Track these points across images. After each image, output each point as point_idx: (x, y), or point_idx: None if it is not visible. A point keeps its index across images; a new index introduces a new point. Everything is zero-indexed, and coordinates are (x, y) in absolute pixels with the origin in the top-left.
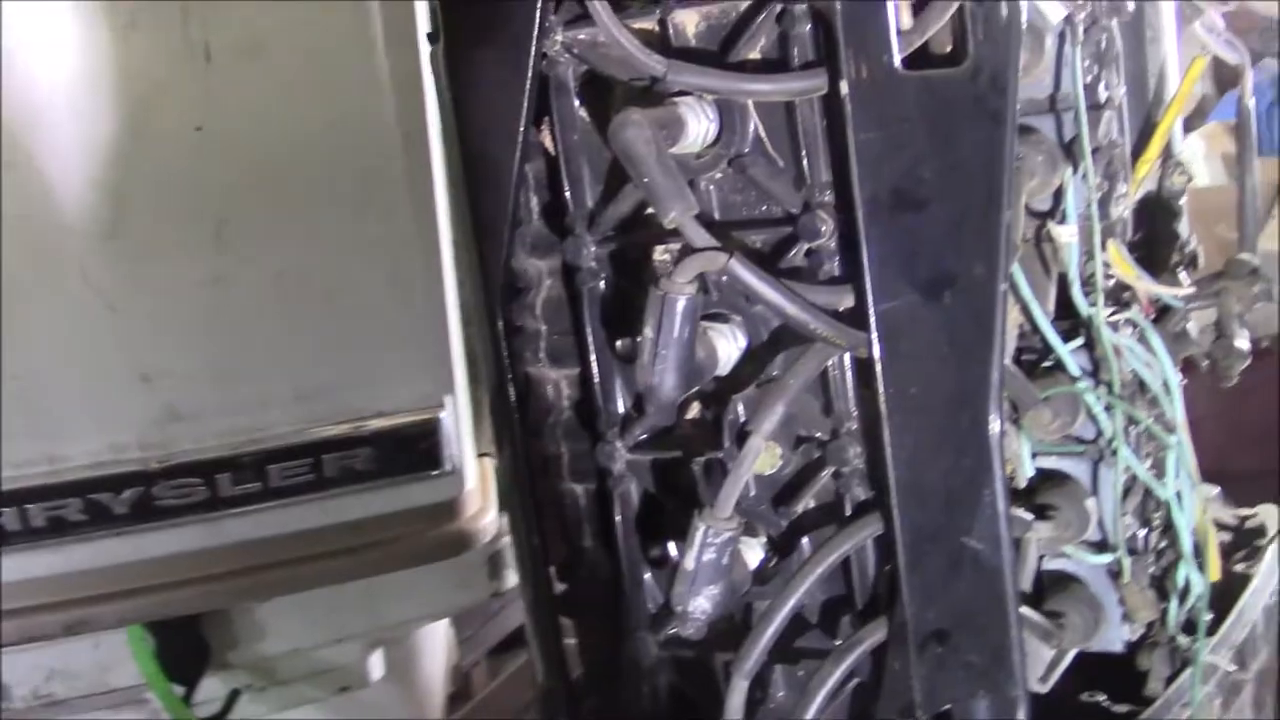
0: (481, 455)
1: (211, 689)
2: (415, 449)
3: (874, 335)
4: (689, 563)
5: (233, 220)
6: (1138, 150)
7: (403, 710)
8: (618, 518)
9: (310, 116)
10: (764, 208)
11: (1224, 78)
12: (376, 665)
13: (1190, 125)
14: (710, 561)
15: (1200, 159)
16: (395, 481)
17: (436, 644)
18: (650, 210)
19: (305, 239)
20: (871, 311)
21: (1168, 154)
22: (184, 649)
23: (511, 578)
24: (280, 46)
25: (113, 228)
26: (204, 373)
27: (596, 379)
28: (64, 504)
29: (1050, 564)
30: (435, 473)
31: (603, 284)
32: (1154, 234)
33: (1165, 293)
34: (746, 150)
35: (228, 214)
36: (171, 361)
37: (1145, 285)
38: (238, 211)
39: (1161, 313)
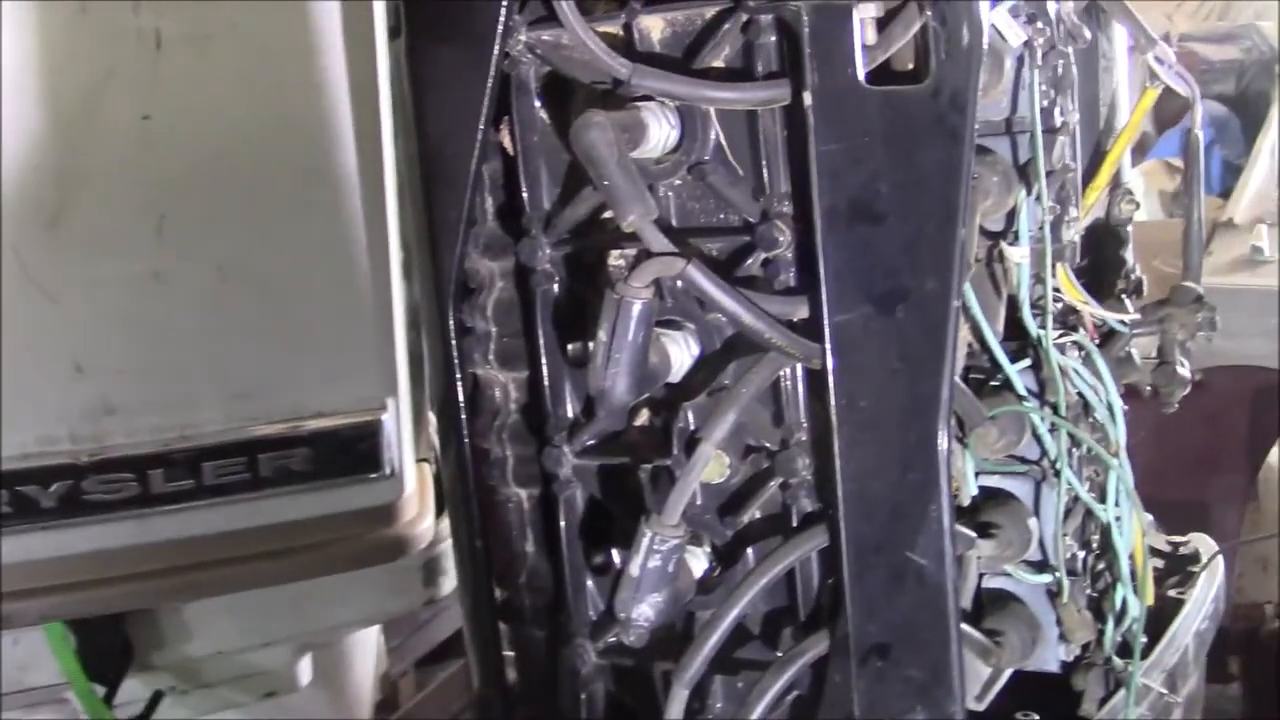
0: (420, 460)
1: (133, 690)
2: (354, 451)
3: (827, 347)
4: (634, 569)
5: (176, 213)
6: (1088, 177)
7: (330, 716)
8: (562, 523)
9: (260, 110)
10: (722, 216)
11: (1162, 117)
12: (305, 670)
13: (1132, 162)
14: (655, 569)
15: (1139, 195)
16: (332, 483)
17: (366, 650)
18: (607, 214)
19: (249, 235)
20: (826, 323)
21: (1116, 182)
22: (106, 648)
23: (446, 585)
24: (232, 38)
25: (54, 215)
26: (140, 366)
27: (546, 382)
28: None
29: (990, 582)
30: (374, 475)
31: (556, 287)
32: (1101, 260)
33: (1111, 317)
34: (707, 158)
35: (171, 207)
36: (106, 354)
37: (1092, 309)
38: (181, 204)
39: (1106, 337)
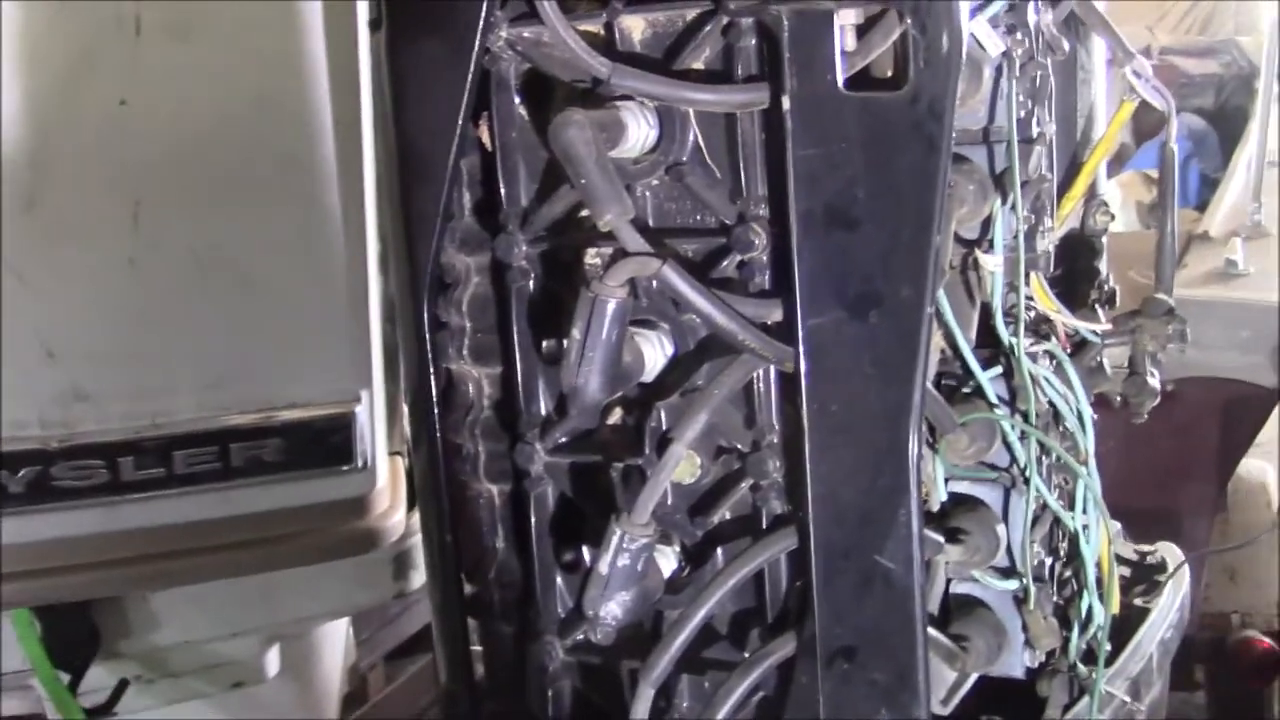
0: (393, 454)
1: (99, 678)
2: (327, 443)
3: (800, 350)
4: (603, 567)
5: (152, 200)
6: (1063, 187)
7: (297, 709)
8: (532, 520)
9: (239, 99)
10: (698, 217)
11: (1142, 129)
12: (272, 662)
13: (1109, 173)
14: (624, 567)
15: (1116, 206)
16: (304, 475)
17: (335, 643)
18: (584, 212)
19: (226, 224)
20: (799, 326)
21: (1092, 193)
22: (72, 635)
23: (416, 579)
24: (213, 25)
25: (29, 199)
26: (112, 353)
27: (519, 379)
28: None
29: (958, 587)
30: (346, 468)
31: (532, 284)
32: (1074, 270)
33: (1083, 327)
34: (685, 159)
35: (147, 193)
36: (79, 339)
37: (1064, 319)
38: (157, 191)
39: (1078, 347)
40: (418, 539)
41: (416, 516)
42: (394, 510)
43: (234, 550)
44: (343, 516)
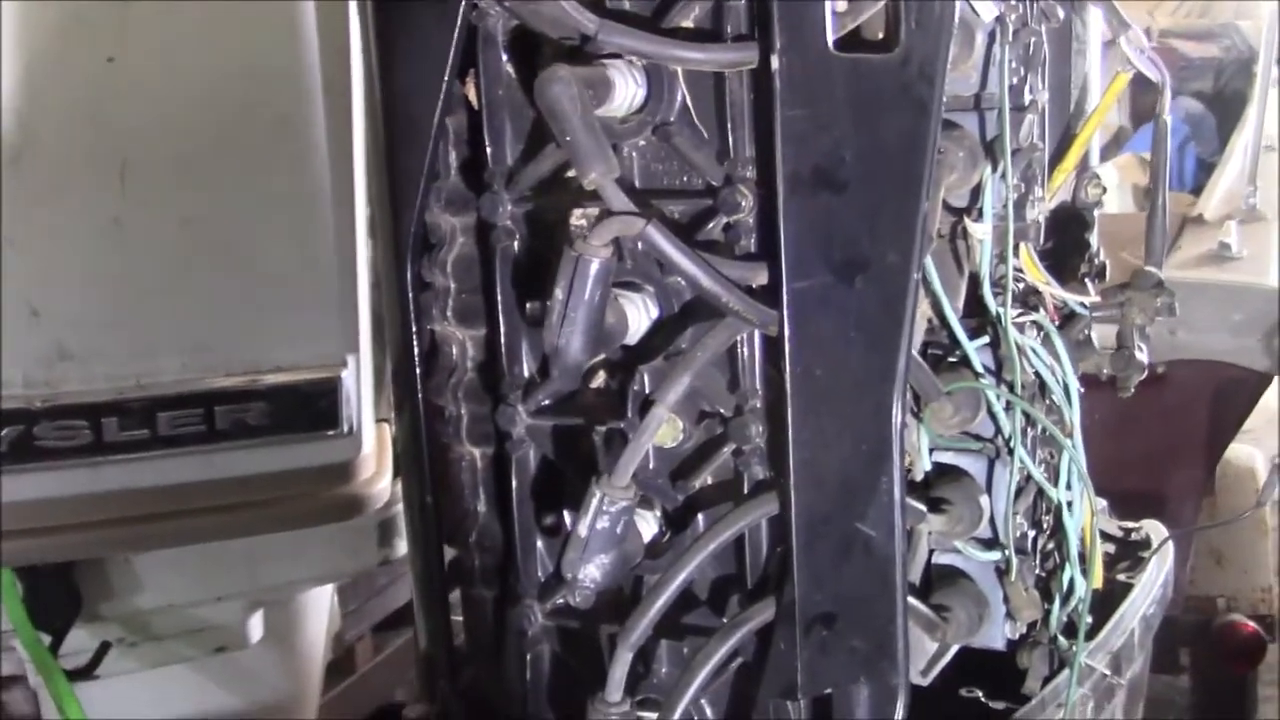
0: (380, 421)
1: (81, 640)
2: (313, 407)
3: (785, 314)
4: (582, 530)
5: (139, 160)
6: (1055, 159)
7: (280, 675)
8: (514, 483)
9: (228, 59)
10: (685, 178)
11: (1139, 112)
12: (256, 627)
13: (1106, 155)
14: (604, 530)
15: (1113, 188)
16: (289, 439)
17: (319, 610)
18: (570, 173)
19: (213, 185)
20: (784, 289)
21: (1084, 165)
22: (54, 597)
23: (401, 546)
24: None
25: (15, 155)
26: (97, 313)
27: (503, 340)
28: None
29: (940, 558)
30: (332, 433)
31: (517, 244)
32: (1064, 243)
33: (1072, 299)
34: (672, 119)
35: (134, 153)
36: (64, 299)
37: (1053, 290)
38: (145, 151)
39: (1066, 319)
40: (400, 507)
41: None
42: (379, 477)
43: (217, 514)
44: (327, 482)
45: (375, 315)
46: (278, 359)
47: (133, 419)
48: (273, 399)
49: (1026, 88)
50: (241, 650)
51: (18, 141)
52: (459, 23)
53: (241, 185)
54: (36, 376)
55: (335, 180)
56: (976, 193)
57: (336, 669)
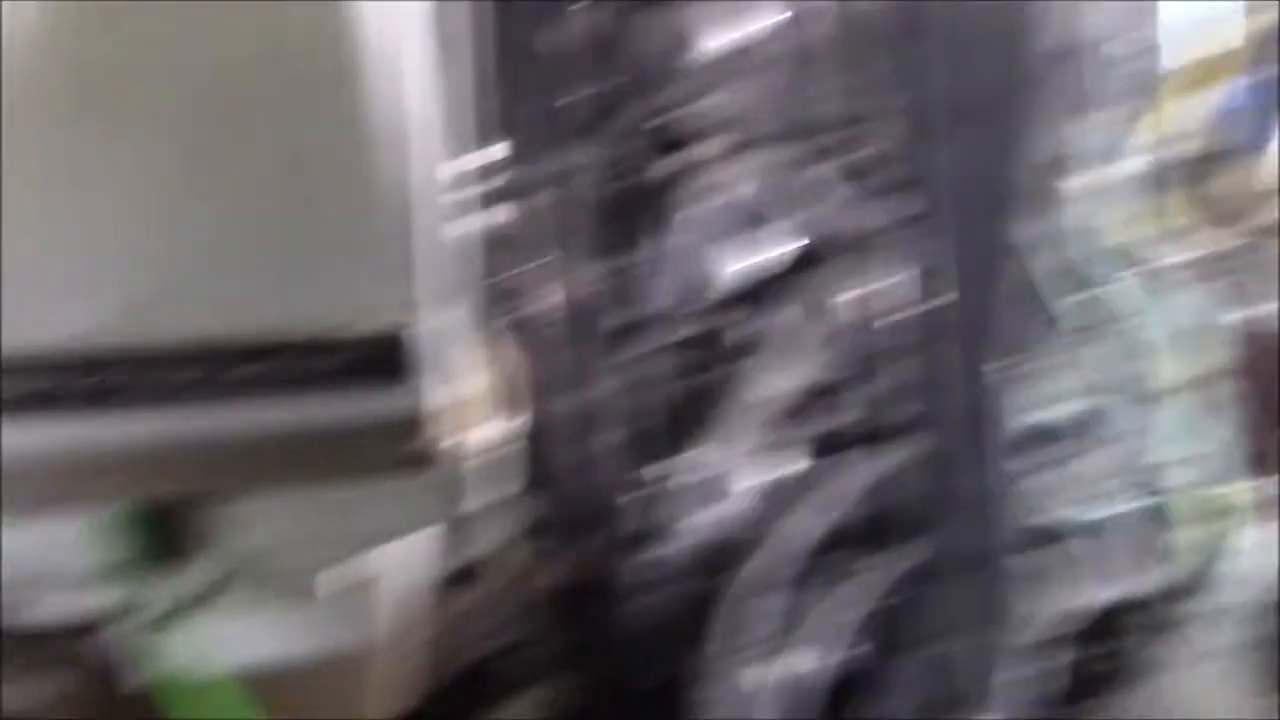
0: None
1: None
2: (385, 359)
3: (928, 247)
4: (690, 479)
5: (211, 107)
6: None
7: (357, 629)
8: (614, 430)
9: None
10: (825, 109)
11: None
12: (346, 573)
13: None
14: (709, 480)
15: None
16: (362, 390)
17: (412, 557)
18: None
19: (287, 132)
20: (928, 222)
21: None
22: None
23: (474, 501)
24: None
25: (83, 100)
26: (171, 261)
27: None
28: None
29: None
30: (403, 386)
31: (604, 193)
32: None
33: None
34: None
35: (206, 100)
36: (136, 248)
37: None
38: (216, 99)
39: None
40: (479, 460)
41: (475, 437)
42: (455, 430)
43: (288, 465)
44: (399, 435)
45: (455, 266)
46: (351, 311)
47: (212, 366)
48: (345, 351)
49: None
50: (333, 596)
51: (85, 87)
52: None
53: (318, 130)
54: (109, 326)
55: (417, 129)
56: (1116, 136)
57: (430, 617)
